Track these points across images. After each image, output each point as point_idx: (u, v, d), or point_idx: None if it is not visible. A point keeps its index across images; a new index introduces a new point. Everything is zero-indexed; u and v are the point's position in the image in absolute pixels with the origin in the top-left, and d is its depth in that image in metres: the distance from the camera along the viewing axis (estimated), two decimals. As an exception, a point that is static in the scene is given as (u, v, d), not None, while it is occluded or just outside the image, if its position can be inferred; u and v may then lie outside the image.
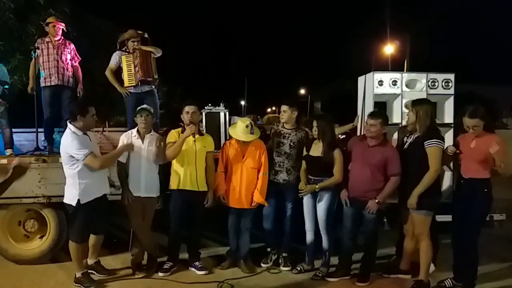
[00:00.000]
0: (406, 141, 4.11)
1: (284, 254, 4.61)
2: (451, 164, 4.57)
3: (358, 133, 4.96)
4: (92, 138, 4.16)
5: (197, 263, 4.46)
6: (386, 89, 4.87)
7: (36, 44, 5.35)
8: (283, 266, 4.54)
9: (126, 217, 4.33)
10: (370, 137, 4.08)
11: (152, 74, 5.29)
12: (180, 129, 4.38)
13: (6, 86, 5.33)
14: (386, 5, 19.97)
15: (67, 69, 5.34)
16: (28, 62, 5.66)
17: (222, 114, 5.25)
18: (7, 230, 4.62)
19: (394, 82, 4.86)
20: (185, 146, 4.27)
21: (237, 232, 4.53)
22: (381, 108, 4.91)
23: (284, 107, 4.53)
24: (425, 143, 3.86)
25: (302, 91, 33.52)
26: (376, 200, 4.01)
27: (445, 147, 3.94)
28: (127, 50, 5.33)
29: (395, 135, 4.84)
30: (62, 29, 5.40)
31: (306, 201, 4.37)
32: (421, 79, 4.88)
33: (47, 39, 5.31)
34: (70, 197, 3.94)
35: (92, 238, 4.25)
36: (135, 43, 5.26)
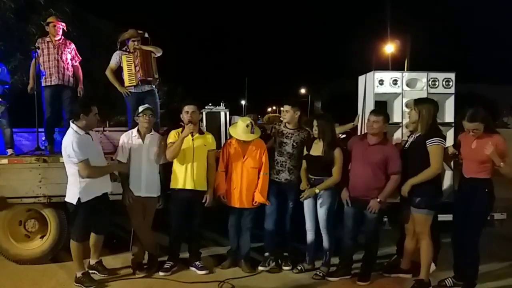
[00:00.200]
0: (407, 140, 4.11)
1: (284, 254, 4.61)
2: (452, 163, 4.57)
3: (359, 133, 4.96)
4: (94, 138, 4.17)
5: (197, 262, 4.46)
6: (387, 88, 4.86)
7: (36, 44, 5.34)
8: (284, 266, 4.54)
9: (126, 216, 4.33)
10: (372, 134, 4.08)
11: (152, 74, 5.29)
12: (180, 129, 4.38)
13: (7, 86, 5.33)
14: (387, 5, 19.96)
15: (68, 69, 5.34)
16: (28, 62, 5.65)
17: (222, 114, 5.25)
18: (7, 230, 4.63)
19: (395, 82, 4.85)
20: (184, 145, 4.27)
21: (238, 231, 4.53)
22: (382, 107, 4.91)
23: (286, 107, 4.52)
24: (427, 141, 3.86)
25: (303, 91, 33.49)
26: (378, 200, 4.01)
27: (446, 145, 3.94)
28: (128, 50, 5.33)
29: (396, 135, 4.85)
30: (63, 28, 5.40)
31: (307, 200, 4.36)
32: (422, 78, 4.87)
33: (47, 39, 5.31)
34: (71, 196, 3.95)
35: (92, 237, 4.25)
36: (136, 43, 5.26)
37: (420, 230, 3.99)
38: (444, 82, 4.82)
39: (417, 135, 3.99)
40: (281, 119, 4.71)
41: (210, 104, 5.34)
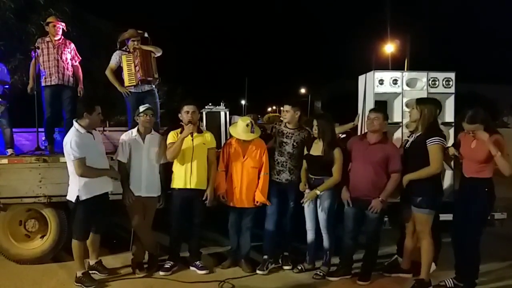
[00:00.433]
0: (408, 140, 4.12)
1: (285, 253, 4.61)
2: (452, 163, 4.57)
3: (359, 133, 4.96)
4: (97, 137, 4.17)
5: (198, 262, 4.46)
6: (387, 88, 4.86)
7: (36, 43, 5.34)
8: (284, 265, 4.54)
9: (127, 216, 4.33)
10: (373, 131, 4.08)
11: (152, 74, 5.29)
12: (179, 129, 4.38)
13: (7, 86, 5.33)
14: (387, 4, 19.96)
15: (68, 69, 5.34)
16: (28, 62, 5.65)
17: (222, 114, 5.25)
18: (8, 229, 4.63)
19: (395, 81, 4.85)
20: (184, 145, 4.27)
21: (238, 231, 4.53)
22: (382, 107, 4.91)
23: (286, 107, 4.52)
24: (427, 141, 3.86)
25: (303, 91, 33.50)
26: (380, 199, 4.01)
27: (446, 145, 3.93)
28: (127, 50, 5.33)
29: (396, 134, 4.85)
30: (62, 28, 5.39)
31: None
32: (422, 78, 4.87)
33: (47, 39, 5.30)
34: (71, 194, 3.97)
35: (90, 236, 4.25)
36: (135, 43, 5.26)
37: (421, 229, 3.99)
38: (444, 82, 4.83)
39: (418, 134, 3.99)
40: (281, 119, 4.71)
41: (210, 104, 5.33)
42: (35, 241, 4.71)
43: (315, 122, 4.31)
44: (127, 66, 5.23)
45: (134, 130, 4.38)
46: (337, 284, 4.19)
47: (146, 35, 5.38)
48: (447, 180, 4.64)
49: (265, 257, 4.50)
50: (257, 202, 4.40)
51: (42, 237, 4.69)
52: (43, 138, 5.32)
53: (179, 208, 4.37)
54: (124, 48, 5.38)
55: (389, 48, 19.49)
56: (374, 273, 4.28)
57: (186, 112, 4.33)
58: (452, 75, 4.85)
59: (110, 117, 11.54)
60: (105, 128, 6.53)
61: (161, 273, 4.32)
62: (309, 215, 4.39)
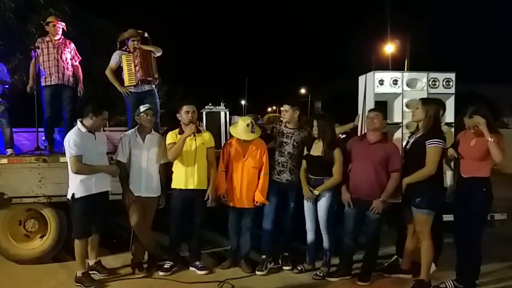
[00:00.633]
0: (408, 141, 4.11)
1: (285, 254, 4.61)
2: (452, 164, 4.56)
3: (359, 133, 4.95)
4: (99, 138, 4.17)
5: (197, 262, 4.45)
6: (387, 88, 4.86)
7: (36, 43, 5.34)
8: (284, 266, 4.53)
9: (126, 216, 4.32)
10: (373, 129, 4.08)
11: (152, 74, 5.28)
12: (177, 130, 4.38)
13: (7, 86, 5.32)
14: (387, 5, 19.96)
15: (67, 69, 5.33)
16: (28, 62, 5.65)
17: (222, 114, 5.24)
18: (7, 229, 4.62)
19: (395, 82, 4.85)
20: (184, 145, 4.27)
21: (238, 231, 4.52)
22: (382, 107, 4.91)
23: (285, 107, 4.52)
24: (426, 142, 3.86)
25: (303, 91, 33.48)
26: (381, 199, 4.00)
27: (446, 147, 3.93)
28: (127, 50, 5.32)
29: (396, 135, 4.84)
30: (62, 28, 5.39)
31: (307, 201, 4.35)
32: (422, 78, 4.87)
33: (47, 39, 5.30)
34: (69, 191, 4.00)
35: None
36: (135, 43, 5.26)
37: (421, 230, 3.98)
38: (444, 82, 4.82)
39: (418, 135, 3.99)
40: (281, 119, 4.71)
41: (210, 104, 5.33)
42: (34, 241, 4.71)
43: (315, 122, 4.31)
44: (127, 66, 5.23)
45: (134, 130, 4.38)
46: (337, 285, 4.19)
47: (146, 35, 5.38)
48: (448, 180, 4.63)
49: (264, 257, 4.50)
50: (257, 202, 4.40)
51: (41, 237, 4.69)
52: (43, 138, 5.31)
53: (180, 208, 4.37)
54: (124, 48, 5.38)
55: (389, 48, 19.49)
56: (374, 273, 4.27)
57: (186, 112, 4.32)
58: (452, 75, 4.85)
59: (110, 117, 11.51)
60: (105, 128, 6.51)
61: (160, 273, 4.32)
62: (309, 215, 4.39)
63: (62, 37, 5.39)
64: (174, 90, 19.63)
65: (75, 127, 4.03)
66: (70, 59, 5.40)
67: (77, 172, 3.92)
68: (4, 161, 4.50)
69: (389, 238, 4.76)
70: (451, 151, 3.91)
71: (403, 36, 19.17)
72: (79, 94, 5.47)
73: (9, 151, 4.97)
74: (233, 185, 4.40)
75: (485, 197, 3.84)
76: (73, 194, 3.95)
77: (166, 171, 4.43)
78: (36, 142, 5.23)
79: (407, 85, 4.88)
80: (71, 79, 5.37)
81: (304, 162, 4.39)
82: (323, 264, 4.38)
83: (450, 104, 4.83)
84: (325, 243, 4.36)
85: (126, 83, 5.25)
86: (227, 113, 5.28)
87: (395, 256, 4.66)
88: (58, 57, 5.25)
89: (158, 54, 5.38)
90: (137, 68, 5.18)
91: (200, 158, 4.34)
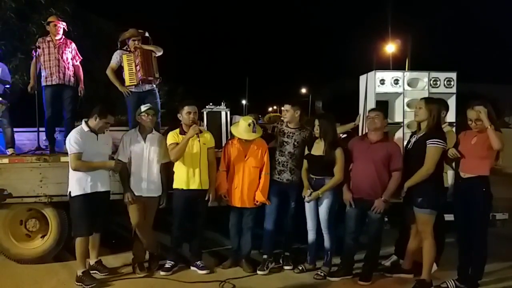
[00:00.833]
0: (410, 141, 4.11)
1: (286, 254, 4.60)
2: (453, 164, 4.55)
3: (360, 133, 4.95)
4: (102, 139, 4.18)
5: (198, 262, 4.45)
6: (388, 88, 4.86)
7: (37, 43, 5.33)
8: (285, 265, 4.53)
9: (127, 216, 4.32)
10: (375, 129, 4.08)
11: (153, 73, 5.28)
12: (178, 130, 4.37)
13: (8, 86, 5.33)
14: (388, 4, 19.96)
15: (68, 68, 5.33)
16: (29, 62, 5.65)
17: (223, 113, 5.23)
18: (8, 229, 4.62)
19: (396, 81, 4.85)
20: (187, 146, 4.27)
21: (239, 231, 4.52)
22: (383, 107, 4.91)
23: (286, 107, 4.51)
24: (427, 141, 3.85)
25: (303, 90, 33.53)
26: (383, 199, 4.00)
27: (446, 147, 3.92)
28: (128, 49, 5.32)
29: (397, 134, 4.83)
30: (63, 28, 5.39)
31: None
32: (423, 78, 4.87)
33: (48, 38, 5.29)
34: (68, 189, 4.05)
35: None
36: (136, 42, 5.26)
37: (423, 229, 3.97)
38: (445, 82, 4.82)
39: (420, 135, 3.98)
40: (282, 118, 4.70)
41: (211, 104, 5.32)
42: (35, 240, 4.71)
43: (316, 122, 4.30)
44: (128, 65, 5.23)
45: (136, 130, 4.38)
46: (338, 285, 4.18)
47: (147, 34, 5.37)
48: (449, 180, 4.62)
49: (265, 256, 4.50)
50: (257, 201, 4.40)
51: (42, 236, 4.69)
52: (44, 137, 5.32)
53: (182, 208, 4.36)
54: (125, 48, 5.38)
55: (390, 47, 19.49)
56: (375, 273, 4.27)
57: (188, 113, 4.31)
58: (453, 75, 4.85)
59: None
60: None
61: (161, 273, 4.32)
62: (310, 215, 4.38)
63: (63, 37, 5.38)
64: (175, 90, 19.67)
65: (79, 126, 4.09)
66: (71, 59, 5.39)
67: (75, 169, 3.97)
68: (5, 160, 4.50)
69: (390, 238, 4.75)
70: (453, 151, 3.89)
71: (404, 36, 19.21)
72: (79, 94, 5.47)
73: (10, 150, 4.97)
74: (234, 184, 4.40)
75: (484, 197, 3.83)
76: (70, 192, 4.02)
77: (167, 171, 4.42)
78: (37, 141, 5.23)
79: (408, 84, 4.88)
80: (72, 79, 5.37)
81: (305, 161, 4.39)
82: (324, 264, 4.38)
83: (451, 103, 4.82)
84: (326, 243, 4.35)
85: (127, 82, 5.25)
86: (228, 112, 5.27)
87: (392, 255, 4.65)
88: (59, 57, 5.24)
89: (159, 53, 5.37)
90: (138, 67, 5.17)
91: (202, 158, 4.33)
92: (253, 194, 4.39)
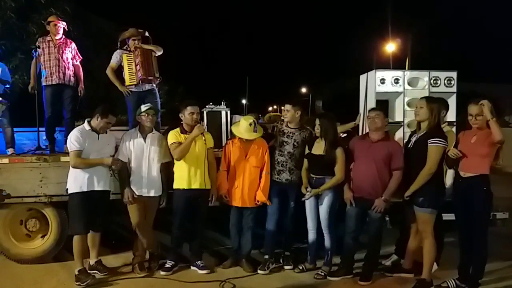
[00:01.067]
0: (410, 140, 4.10)
1: (286, 253, 4.60)
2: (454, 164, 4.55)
3: (360, 132, 4.95)
4: (103, 139, 4.20)
5: (199, 262, 4.45)
6: (388, 87, 4.86)
7: (37, 43, 5.33)
8: (285, 265, 4.53)
9: (128, 216, 4.32)
10: (375, 128, 4.07)
11: (153, 73, 5.28)
12: (178, 129, 4.37)
13: (7, 85, 5.33)
14: (388, 3, 19.95)
15: (68, 68, 5.32)
16: (29, 61, 5.65)
17: (223, 113, 5.23)
18: (8, 229, 4.62)
19: (396, 80, 4.85)
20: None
21: (239, 231, 4.52)
22: (383, 106, 4.90)
23: (287, 107, 4.51)
24: (428, 140, 3.85)
25: (304, 90, 33.50)
26: (383, 198, 3.99)
27: (447, 147, 3.91)
28: (128, 49, 5.32)
29: (398, 134, 4.83)
30: (64, 28, 5.39)
31: (309, 200, 4.34)
32: (423, 77, 4.87)
33: (48, 38, 5.29)
34: (66, 186, 4.10)
35: (89, 234, 4.25)
36: (136, 42, 5.25)
37: (423, 229, 3.97)
38: (445, 81, 4.83)
39: (421, 134, 3.97)
40: (282, 118, 4.70)
41: (211, 104, 5.32)
42: (35, 240, 4.71)
43: (317, 121, 4.29)
44: (128, 65, 5.22)
45: (136, 130, 4.39)
46: (338, 284, 4.18)
47: (146, 34, 5.37)
48: (449, 179, 4.62)
49: (266, 256, 4.49)
50: (258, 201, 4.39)
51: (43, 236, 4.69)
52: (44, 137, 5.31)
53: (183, 208, 4.35)
54: (125, 47, 5.37)
55: (390, 47, 19.47)
56: (375, 273, 4.26)
57: (190, 114, 4.31)
58: (454, 74, 4.84)
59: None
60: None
61: (162, 272, 4.32)
62: (310, 214, 4.38)
63: (63, 36, 5.38)
64: (175, 89, 19.67)
65: (81, 125, 4.15)
66: (71, 58, 5.38)
67: (74, 166, 4.03)
68: (5, 160, 4.50)
69: (390, 237, 4.75)
70: (454, 151, 3.88)
71: (404, 35, 19.19)
72: (79, 94, 5.47)
73: (10, 150, 4.97)
74: (234, 184, 4.39)
75: (485, 196, 3.82)
76: (67, 189, 4.08)
77: (167, 171, 4.42)
78: (37, 141, 5.23)
79: (409, 84, 4.88)
80: (72, 78, 5.36)
81: (305, 161, 4.38)
82: (325, 264, 4.37)
83: (452, 103, 4.82)
84: (327, 243, 4.35)
85: (127, 82, 5.25)
86: (228, 112, 5.28)
87: (395, 256, 4.64)
88: (59, 56, 5.24)
89: (159, 53, 5.37)
90: (138, 67, 5.17)
91: (202, 158, 4.34)
92: (253, 194, 4.39)
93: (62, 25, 5.36)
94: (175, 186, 4.36)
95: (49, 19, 5.44)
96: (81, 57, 5.55)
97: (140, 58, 5.16)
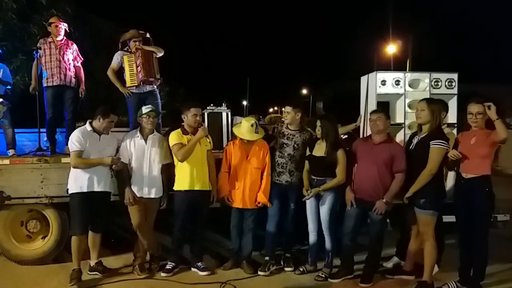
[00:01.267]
0: (412, 142, 4.09)
1: (287, 255, 4.60)
2: (454, 166, 4.54)
3: (361, 133, 4.94)
4: (105, 140, 4.21)
5: (199, 263, 4.45)
6: (389, 89, 4.86)
7: (38, 44, 5.33)
8: (286, 267, 4.52)
9: (128, 217, 4.32)
10: (378, 131, 4.07)
11: (154, 74, 5.28)
12: (179, 130, 4.37)
13: (9, 87, 5.33)
14: (388, 5, 19.94)
15: (69, 70, 5.33)
16: (30, 63, 5.65)
17: (224, 114, 5.24)
18: (9, 230, 4.62)
19: (397, 82, 4.84)
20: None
21: (240, 232, 4.52)
22: (384, 107, 4.90)
23: (287, 108, 4.51)
24: (431, 142, 3.84)
25: (304, 91, 33.46)
26: (384, 200, 3.99)
27: (449, 149, 3.91)
28: (129, 50, 5.32)
29: (398, 135, 4.82)
30: (65, 29, 5.39)
31: (309, 202, 4.34)
32: (424, 78, 4.86)
33: (49, 39, 5.30)
34: (67, 186, 4.12)
35: (89, 235, 4.25)
36: (137, 43, 5.26)
37: (424, 231, 3.96)
38: (446, 83, 4.82)
39: (422, 136, 3.97)
40: (283, 119, 4.70)
41: (212, 105, 5.33)
42: (36, 241, 4.71)
43: (318, 123, 4.29)
44: (128, 66, 5.22)
45: (137, 131, 4.39)
46: (339, 286, 4.18)
47: (147, 35, 5.37)
48: (450, 181, 4.61)
49: (267, 258, 4.49)
50: (259, 202, 4.39)
51: (43, 237, 4.68)
52: (45, 138, 5.32)
53: (185, 210, 4.35)
54: (125, 49, 5.37)
55: (391, 48, 19.46)
56: (376, 275, 4.26)
57: (194, 116, 4.31)
58: (454, 76, 4.84)
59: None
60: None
61: (162, 274, 4.32)
62: (311, 216, 4.37)
63: (65, 38, 5.39)
64: (176, 91, 19.67)
65: (82, 126, 4.17)
66: (72, 60, 5.39)
67: (74, 166, 4.05)
68: (6, 161, 4.51)
69: (391, 239, 4.74)
70: (454, 152, 3.88)
71: (405, 36, 19.15)
72: (80, 95, 5.47)
73: (11, 151, 4.97)
74: (236, 185, 4.39)
75: (487, 197, 3.81)
76: (67, 189, 4.10)
77: (167, 172, 4.42)
78: (38, 142, 5.23)
79: (409, 85, 4.87)
80: (73, 80, 5.37)
81: (306, 162, 4.38)
82: (325, 265, 4.37)
83: (452, 104, 4.82)
84: (327, 244, 4.34)
85: (128, 83, 5.25)
86: (229, 113, 5.28)
87: (396, 258, 4.64)
88: (60, 58, 5.24)
89: (160, 54, 5.37)
90: (139, 68, 5.17)
91: (203, 160, 4.35)
92: (254, 195, 4.39)
93: (64, 26, 5.37)
94: (176, 187, 4.36)
95: (51, 20, 5.45)
96: (82, 59, 5.56)
97: (141, 59, 5.16)
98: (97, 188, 4.12)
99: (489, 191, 3.81)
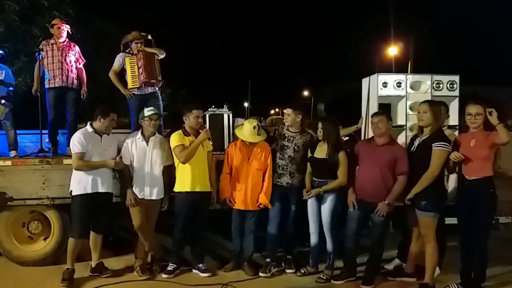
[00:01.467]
0: (413, 144, 4.09)
1: (288, 257, 4.59)
2: (456, 167, 4.53)
3: (362, 135, 4.94)
4: (106, 141, 4.22)
5: (200, 265, 4.45)
6: (391, 91, 4.85)
7: (40, 46, 5.34)
8: (287, 269, 4.52)
9: (130, 218, 4.32)
10: (380, 134, 4.07)
11: (155, 76, 5.29)
12: (181, 131, 4.37)
13: (11, 88, 5.35)
14: (390, 7, 19.96)
15: (72, 71, 5.34)
16: (32, 64, 5.67)
17: (225, 116, 5.25)
18: (11, 231, 4.63)
19: (399, 84, 4.84)
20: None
21: (241, 234, 4.52)
22: (385, 110, 4.90)
23: (288, 110, 4.51)
24: (433, 144, 3.84)
25: (306, 93, 33.47)
26: (386, 202, 3.98)
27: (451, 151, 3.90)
28: (131, 52, 5.33)
29: (400, 137, 4.82)
30: (67, 31, 5.41)
31: (311, 203, 4.34)
32: (426, 81, 4.86)
33: (51, 41, 5.31)
34: (70, 188, 4.12)
35: (91, 236, 4.26)
36: (139, 45, 5.26)
37: (426, 233, 3.96)
38: (448, 85, 4.82)
39: (424, 138, 3.97)
40: (284, 121, 4.70)
41: (213, 106, 5.34)
42: (38, 243, 4.71)
43: (320, 124, 4.29)
44: (130, 68, 5.23)
45: (138, 133, 4.40)
46: (340, 288, 4.17)
47: (149, 37, 5.38)
48: (451, 183, 4.61)
49: (268, 260, 4.48)
50: (260, 204, 4.39)
51: (45, 239, 4.69)
52: (47, 140, 5.33)
53: (186, 211, 4.35)
54: (127, 50, 5.38)
55: (393, 50, 19.46)
56: (378, 277, 4.25)
57: (196, 117, 4.31)
58: (456, 78, 4.84)
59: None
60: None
61: (163, 275, 4.32)
62: (312, 218, 4.37)
63: (67, 39, 5.40)
64: (177, 92, 19.65)
65: (84, 128, 4.18)
66: (74, 61, 5.40)
67: (76, 168, 4.07)
68: (8, 163, 4.52)
69: (392, 241, 4.73)
70: (456, 154, 3.88)
71: (406, 38, 19.16)
72: (82, 97, 5.48)
73: (13, 153, 4.99)
74: (237, 187, 4.40)
75: (491, 198, 3.81)
76: (71, 191, 4.09)
77: (169, 174, 4.43)
78: (40, 144, 5.24)
79: (411, 87, 4.87)
80: (75, 81, 5.38)
81: (309, 165, 4.38)
82: (327, 267, 4.36)
83: (454, 106, 4.82)
84: (329, 246, 4.34)
85: (130, 85, 5.25)
86: (230, 115, 5.29)
87: (398, 260, 4.63)
88: (62, 59, 5.25)
89: (162, 56, 5.38)
90: (141, 70, 5.18)
91: (204, 161, 4.36)
92: (256, 197, 4.39)
93: (66, 28, 5.38)
94: (177, 189, 4.36)
95: (53, 22, 5.46)
96: (84, 60, 5.57)
97: (142, 61, 5.17)
98: (101, 189, 4.14)
99: (493, 192, 3.80)
